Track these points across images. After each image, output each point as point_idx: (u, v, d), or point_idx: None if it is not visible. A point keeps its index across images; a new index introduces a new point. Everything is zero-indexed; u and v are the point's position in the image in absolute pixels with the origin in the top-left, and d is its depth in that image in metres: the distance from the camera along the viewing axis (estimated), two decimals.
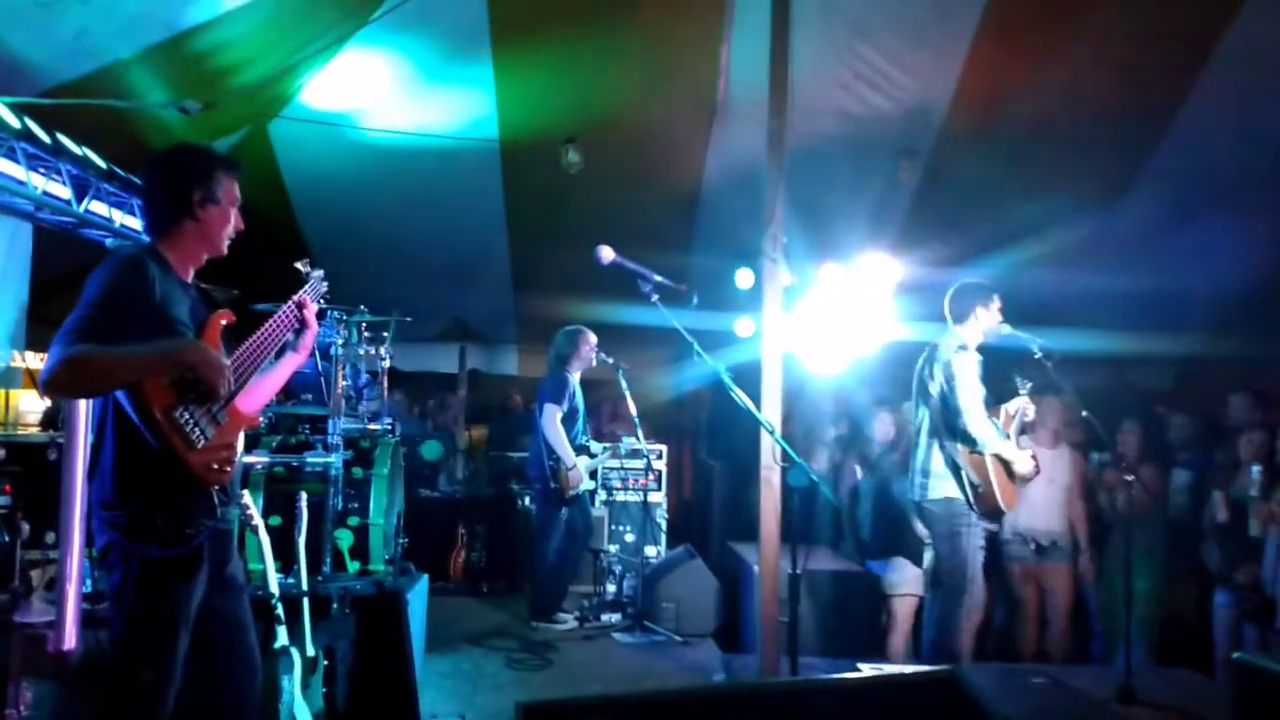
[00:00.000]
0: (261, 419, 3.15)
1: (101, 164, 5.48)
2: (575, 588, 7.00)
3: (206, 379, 2.65)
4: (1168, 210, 6.93)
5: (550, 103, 6.62)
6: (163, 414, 2.60)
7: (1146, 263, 7.06)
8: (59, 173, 5.52)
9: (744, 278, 6.74)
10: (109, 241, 5.32)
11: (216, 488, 2.75)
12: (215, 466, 2.72)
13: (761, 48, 5.37)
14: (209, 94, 5.46)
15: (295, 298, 3.13)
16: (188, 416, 2.65)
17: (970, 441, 4.92)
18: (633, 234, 5.86)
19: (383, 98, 6.43)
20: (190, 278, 2.91)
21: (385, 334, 5.40)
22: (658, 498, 7.66)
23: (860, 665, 5.11)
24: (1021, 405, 5.34)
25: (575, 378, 6.66)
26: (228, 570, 2.88)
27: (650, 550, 7.36)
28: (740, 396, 3.97)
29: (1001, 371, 5.40)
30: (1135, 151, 6.77)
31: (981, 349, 5.21)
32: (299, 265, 3.31)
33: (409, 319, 5.45)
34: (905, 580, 6.17)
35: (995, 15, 5.83)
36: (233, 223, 2.95)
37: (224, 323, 2.87)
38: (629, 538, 7.56)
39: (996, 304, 5.18)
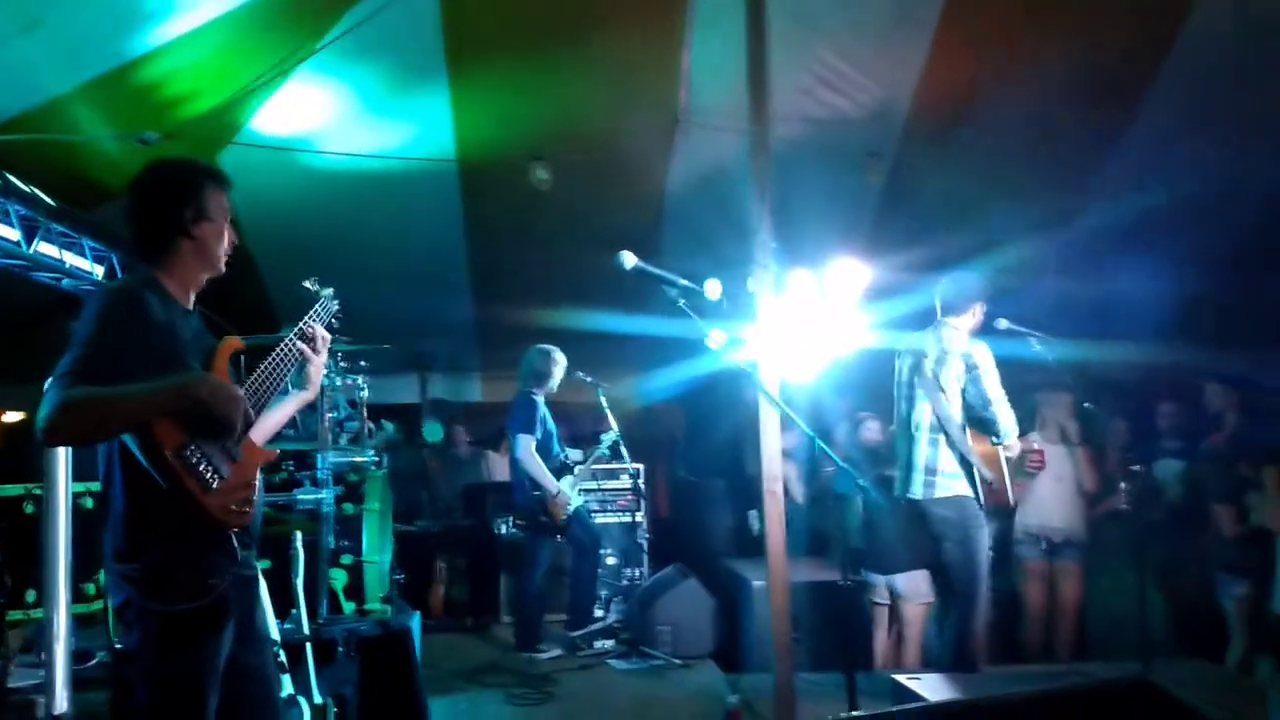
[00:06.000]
0: (278, 452, 2.93)
1: (51, 203, 5.18)
2: (558, 616, 6.78)
3: (220, 413, 2.44)
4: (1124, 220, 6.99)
5: (509, 121, 6.47)
6: (174, 454, 2.39)
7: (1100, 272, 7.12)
8: (7, 214, 5.20)
9: (712, 288, 6.60)
10: (65, 283, 5.06)
11: (237, 530, 2.54)
12: (234, 508, 2.51)
13: (720, 55, 5.29)
14: (158, 125, 5.23)
15: (301, 324, 2.93)
16: (201, 455, 2.44)
17: (994, 431, 4.83)
18: (598, 248, 5.72)
19: (336, 122, 6.23)
20: (191, 303, 2.71)
21: (363, 363, 5.19)
22: (639, 518, 7.49)
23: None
24: None
25: (543, 400, 6.48)
26: (254, 620, 2.66)
27: (633, 572, 7.19)
28: (777, 402, 3.85)
29: None
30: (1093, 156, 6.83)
31: None
32: (307, 283, 3.11)
33: (388, 346, 5.24)
34: (920, 587, 5.97)
35: (951, 16, 5.85)
36: (227, 238, 2.80)
37: (233, 350, 2.67)
38: (610, 560, 7.36)
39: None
